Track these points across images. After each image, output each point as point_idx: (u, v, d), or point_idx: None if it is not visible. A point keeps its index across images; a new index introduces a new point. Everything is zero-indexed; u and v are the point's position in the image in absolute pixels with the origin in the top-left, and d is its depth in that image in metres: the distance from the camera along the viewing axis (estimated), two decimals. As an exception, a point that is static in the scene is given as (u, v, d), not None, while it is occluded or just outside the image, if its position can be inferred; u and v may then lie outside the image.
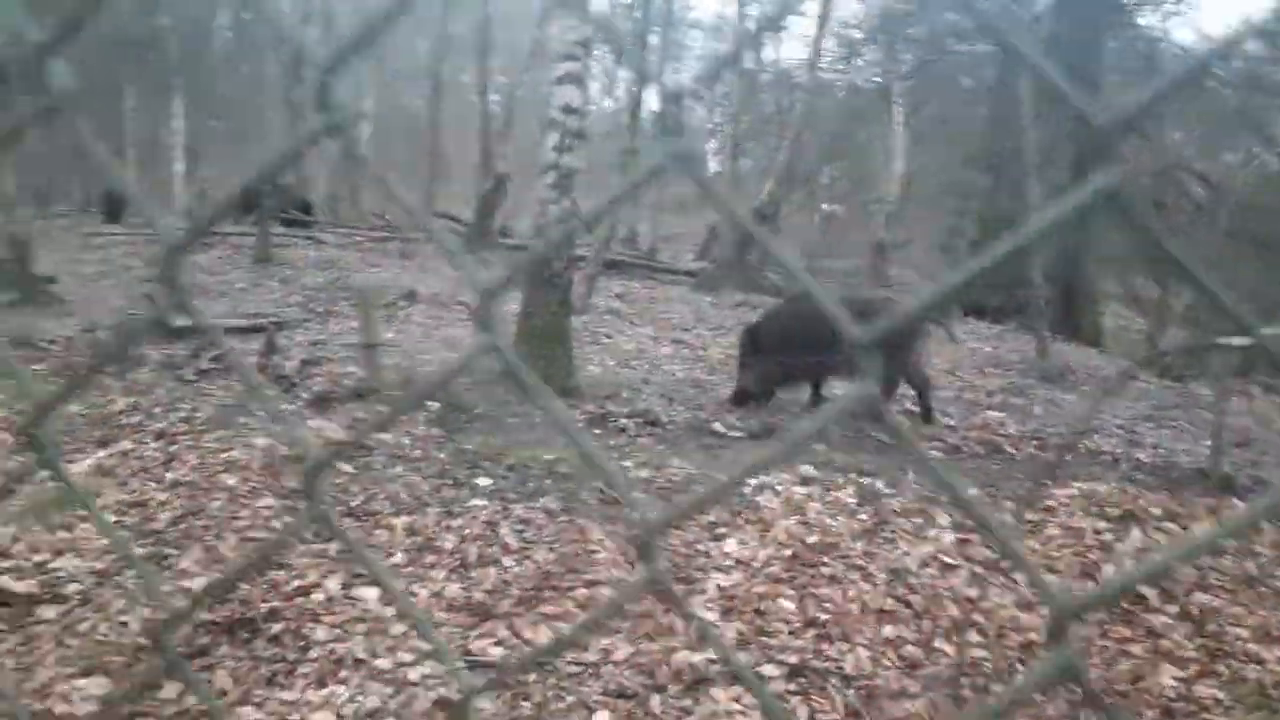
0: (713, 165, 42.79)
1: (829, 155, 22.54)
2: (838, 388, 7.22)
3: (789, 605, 3.95)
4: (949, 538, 4.61)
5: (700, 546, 4.42)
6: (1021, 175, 10.56)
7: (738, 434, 6.35)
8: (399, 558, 4.17)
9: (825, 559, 4.37)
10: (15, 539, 4.23)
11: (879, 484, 5.35)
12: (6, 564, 4.02)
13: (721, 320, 11.59)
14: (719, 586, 4.10)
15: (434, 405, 6.48)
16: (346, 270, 13.03)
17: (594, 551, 4.30)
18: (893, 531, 4.76)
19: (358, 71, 27.91)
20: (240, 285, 11.53)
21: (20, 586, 3.84)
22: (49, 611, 3.68)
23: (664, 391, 7.51)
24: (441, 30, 22.52)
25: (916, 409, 7.17)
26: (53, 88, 0.67)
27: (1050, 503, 5.16)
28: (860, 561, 4.37)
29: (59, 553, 4.14)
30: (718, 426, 6.40)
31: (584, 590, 3.94)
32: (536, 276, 6.98)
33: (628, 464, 5.51)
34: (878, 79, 20.83)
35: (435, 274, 12.95)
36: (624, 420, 6.37)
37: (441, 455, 5.45)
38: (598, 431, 6.21)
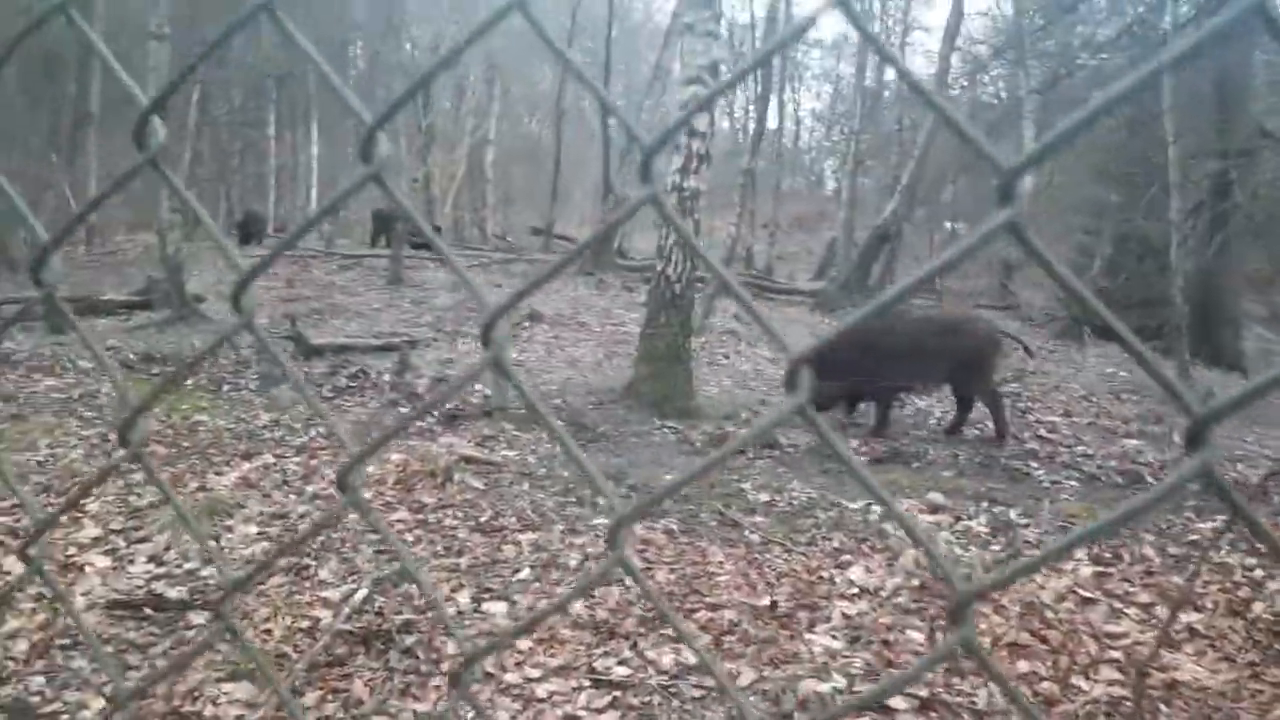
0: (831, 183, 42.47)
1: (954, 172, 21.99)
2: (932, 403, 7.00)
3: (917, 636, 3.85)
4: (1086, 570, 4.41)
5: (824, 573, 4.35)
6: (1160, 192, 10.05)
7: (862, 458, 6.23)
8: (525, 573, 4.25)
9: (956, 590, 4.24)
10: (167, 546, 4.52)
11: (1012, 513, 5.17)
12: (159, 570, 4.28)
13: (842, 341, 11.40)
14: (844, 614, 4.03)
15: (559, 423, 6.61)
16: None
17: (715, 574, 4.29)
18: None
19: (482, 98, 28.83)
20: (375, 306, 12.03)
21: (173, 593, 4.09)
22: (198, 618, 3.89)
23: (784, 413, 7.44)
24: (562, 57, 22.92)
25: (991, 427, 7.05)
26: (151, 142, 0.74)
27: (1193, 536, 4.90)
28: (994, 595, 4.23)
29: (207, 561, 4.39)
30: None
31: (706, 613, 3.94)
32: (659, 297, 7.05)
33: (746, 485, 5.48)
34: (1004, 94, 20.28)
35: (557, 295, 13.20)
36: (744, 442, 6.35)
37: (565, 474, 5.55)
38: (715, 452, 6.20)
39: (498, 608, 3.94)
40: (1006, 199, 0.49)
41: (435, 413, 6.69)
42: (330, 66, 0.72)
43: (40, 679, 3.41)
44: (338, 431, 0.77)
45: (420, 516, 4.78)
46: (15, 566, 4.28)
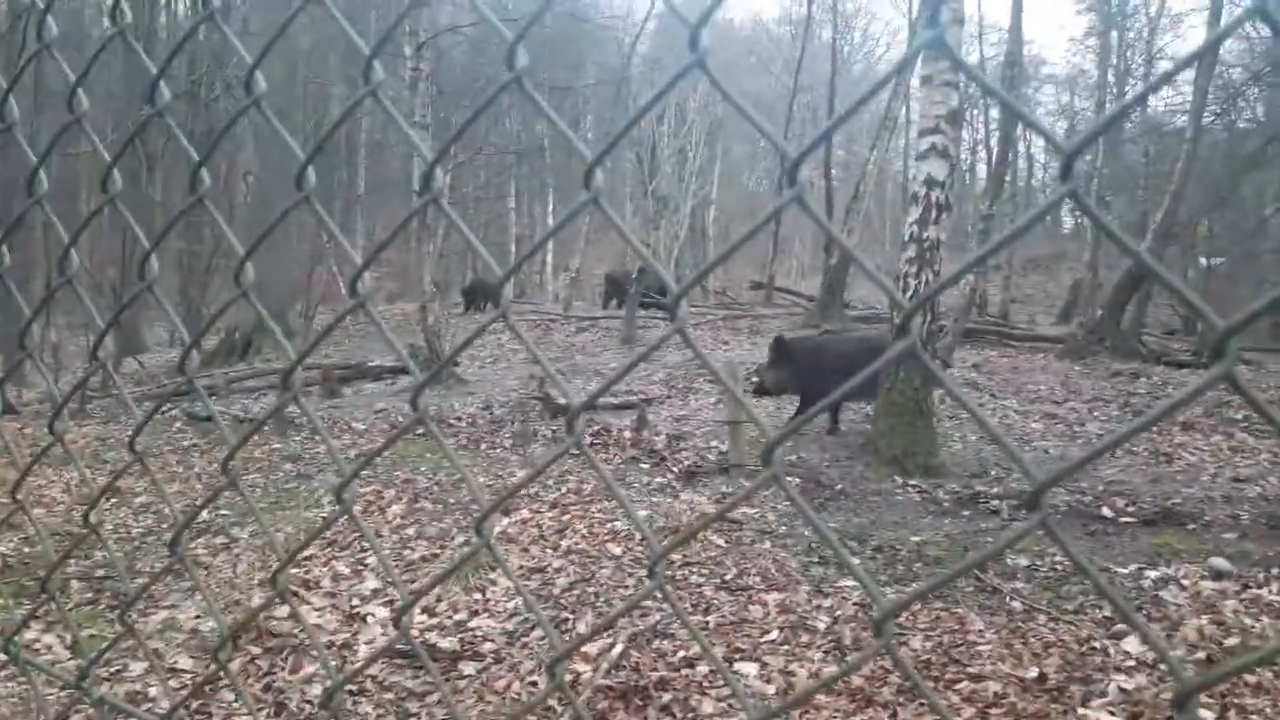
0: (1068, 222, 39.99)
1: (1210, 207, 20.11)
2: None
3: (1207, 715, 3.49)
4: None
5: (1096, 644, 4.04)
6: None
7: (1128, 519, 5.77)
8: (774, 634, 4.22)
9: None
10: (439, 598, 4.84)
11: (1311, 582, 4.60)
12: (432, 621, 4.59)
13: (1098, 392, 10.64)
14: (1121, 689, 3.72)
15: (795, 481, 6.57)
16: (702, 349, 13.69)
17: (975, 643, 4.08)
18: (1333, 637, 4.07)
19: (704, 159, 29.55)
20: (611, 365, 12.50)
21: (445, 643, 4.37)
22: (469, 668, 4.13)
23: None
24: (785, 113, 23.22)
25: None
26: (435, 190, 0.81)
27: None
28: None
29: (474, 613, 4.67)
30: (1106, 511, 5.85)
31: (968, 684, 3.76)
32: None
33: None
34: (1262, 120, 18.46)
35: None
36: (996, 502, 6.03)
37: (807, 532, 5.49)
38: (967, 513, 5.94)
39: (749, 668, 3.94)
40: (1067, 175, 0.57)
41: (675, 469, 6.83)
42: (564, 137, 0.81)
43: None
44: (470, 482, 0.83)
45: (668, 573, 4.86)
46: (309, 615, 4.74)
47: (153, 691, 3.92)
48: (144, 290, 1.06)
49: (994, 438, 0.59)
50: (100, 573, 5.44)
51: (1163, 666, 3.81)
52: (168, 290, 19.07)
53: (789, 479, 5.28)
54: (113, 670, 4.02)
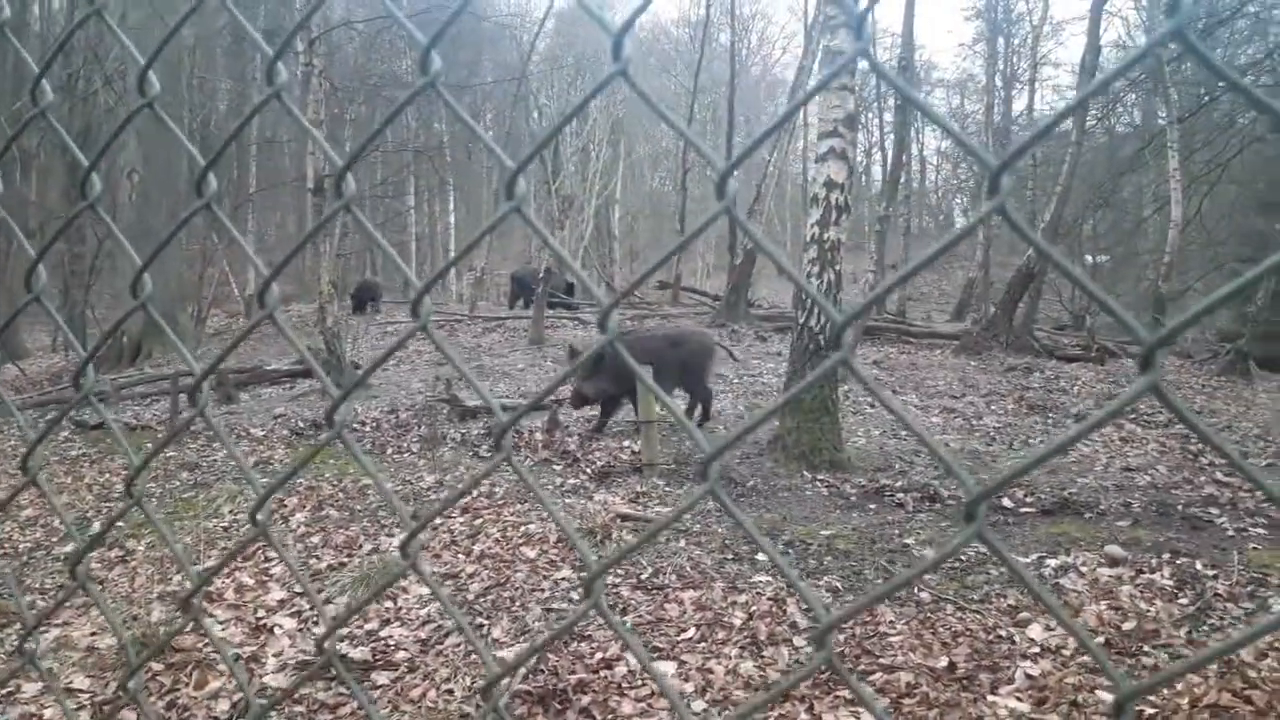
0: (960, 221, 41.46)
1: (1095, 207, 21.14)
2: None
3: (1108, 696, 3.64)
4: (1291, 625, 4.09)
5: (1003, 632, 4.18)
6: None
7: (1027, 509, 5.99)
8: (691, 633, 4.24)
9: (1145, 647, 4.01)
10: (348, 606, 4.71)
11: (1198, 565, 4.85)
12: (342, 631, 4.46)
13: (994, 386, 11.04)
14: (1027, 675, 3.85)
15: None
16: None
17: (886, 634, 4.18)
18: (1220, 618, 4.30)
19: (607, 159, 29.58)
20: (520, 366, 12.38)
21: (357, 653, 4.25)
22: (382, 678, 4.03)
23: (938, 463, 7.23)
24: (686, 113, 23.40)
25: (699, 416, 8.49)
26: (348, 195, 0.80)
27: None
28: (1185, 651, 3.98)
29: (386, 621, 4.56)
30: (1006, 502, 6.07)
31: (881, 674, 3.84)
32: (802, 349, 7.01)
33: (909, 541, 5.34)
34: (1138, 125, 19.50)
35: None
36: (901, 495, 6.19)
37: (720, 530, 5.53)
38: (873, 507, 6.08)
39: (667, 667, 3.94)
40: (995, 190, 0.58)
41: (588, 470, 6.80)
42: (464, 135, 0.80)
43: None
44: (395, 503, 0.81)
45: (584, 574, 4.84)
46: (213, 627, 4.55)
47: (48, 714, 3.72)
48: (33, 300, 1.00)
49: (929, 447, 0.60)
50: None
51: (1065, 653, 3.97)
52: (49, 293, 18.07)
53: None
54: (3, 692, 3.79)
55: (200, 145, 18.14)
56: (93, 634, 4.53)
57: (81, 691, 3.94)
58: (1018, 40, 33.79)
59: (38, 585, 5.33)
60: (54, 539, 6.07)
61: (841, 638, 4.14)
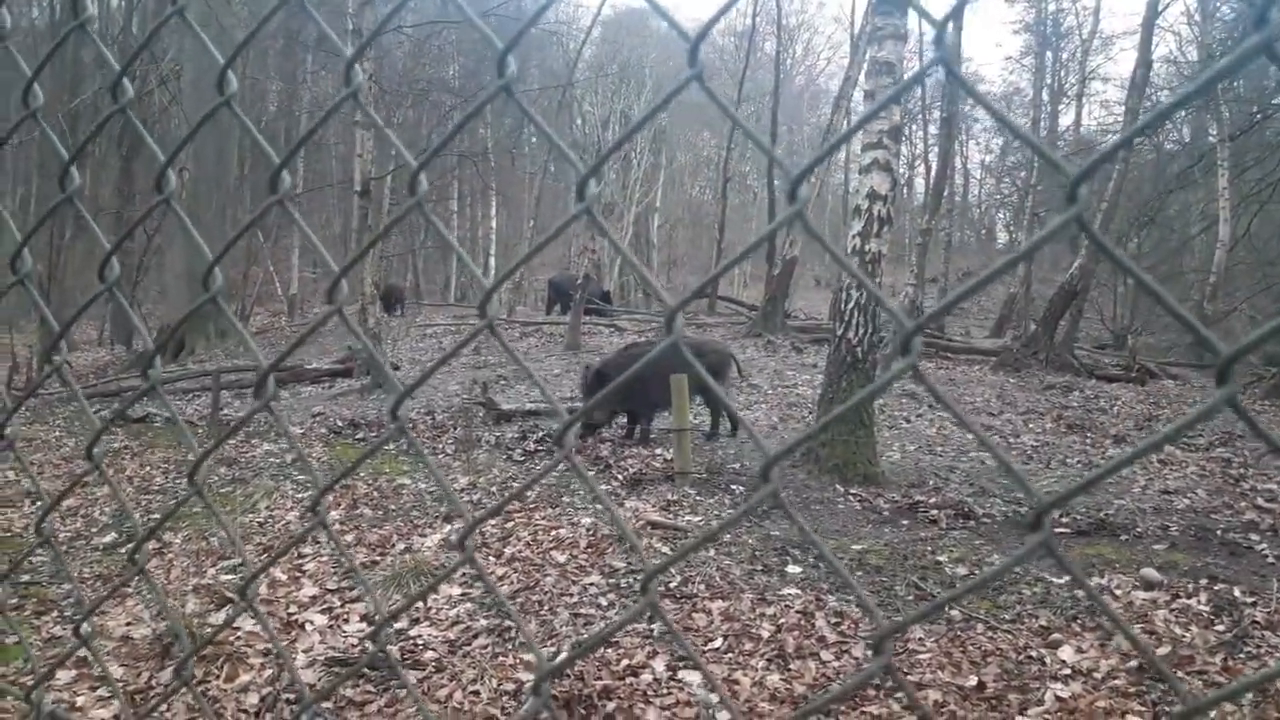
0: (1003, 236, 40.99)
1: (1140, 223, 20.84)
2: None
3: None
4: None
5: (1033, 653, 4.13)
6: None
7: (1062, 530, 5.91)
8: (718, 643, 4.23)
9: (1179, 674, 3.94)
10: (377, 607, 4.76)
11: (1236, 591, 4.76)
12: (370, 630, 4.50)
13: (1033, 405, 10.90)
14: (1057, 697, 3.80)
15: (739, 489, 6.61)
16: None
17: (915, 651, 4.15)
18: (1257, 646, 4.21)
19: (648, 167, 29.67)
20: (556, 371, 12.43)
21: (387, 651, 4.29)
22: (410, 676, 4.06)
23: (973, 480, 7.16)
24: (727, 123, 23.39)
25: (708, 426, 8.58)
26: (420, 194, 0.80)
27: None
28: (1220, 678, 3.90)
29: (415, 621, 4.60)
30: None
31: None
32: (839, 361, 6.97)
33: (942, 558, 5.28)
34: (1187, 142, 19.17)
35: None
36: (934, 511, 6.14)
37: (750, 540, 5.52)
38: (906, 522, 6.03)
39: (693, 676, 3.93)
40: (1073, 199, 0.59)
41: (620, 476, 6.81)
42: (509, 140, 0.81)
43: (271, 731, 3.66)
44: (453, 498, 0.82)
45: (612, 580, 4.86)
46: (247, 623, 4.62)
47: (80, 700, 3.79)
48: (105, 291, 1.03)
49: (999, 459, 0.60)
50: (26, 578, 5.24)
51: (1097, 676, 3.92)
52: (95, 287, 18.47)
53: (734, 486, 5.29)
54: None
55: (252, 144, 18.48)
56: (128, 624, 4.61)
57: (115, 680, 4.01)
58: (1066, 54, 33.41)
59: (76, 574, 5.43)
60: (93, 529, 6.20)
61: (869, 652, 4.11)
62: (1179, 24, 24.32)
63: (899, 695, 3.76)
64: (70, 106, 15.13)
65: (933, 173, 23.06)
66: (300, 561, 5.32)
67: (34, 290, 1.09)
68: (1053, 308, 14.33)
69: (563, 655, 4.03)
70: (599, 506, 6.07)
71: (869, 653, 4.06)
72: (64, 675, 4.00)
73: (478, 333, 0.82)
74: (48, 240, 15.49)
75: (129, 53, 17.30)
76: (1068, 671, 3.98)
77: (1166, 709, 3.66)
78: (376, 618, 4.54)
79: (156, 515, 6.32)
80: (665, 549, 5.28)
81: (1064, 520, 6.06)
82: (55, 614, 4.69)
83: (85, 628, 1.04)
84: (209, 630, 4.36)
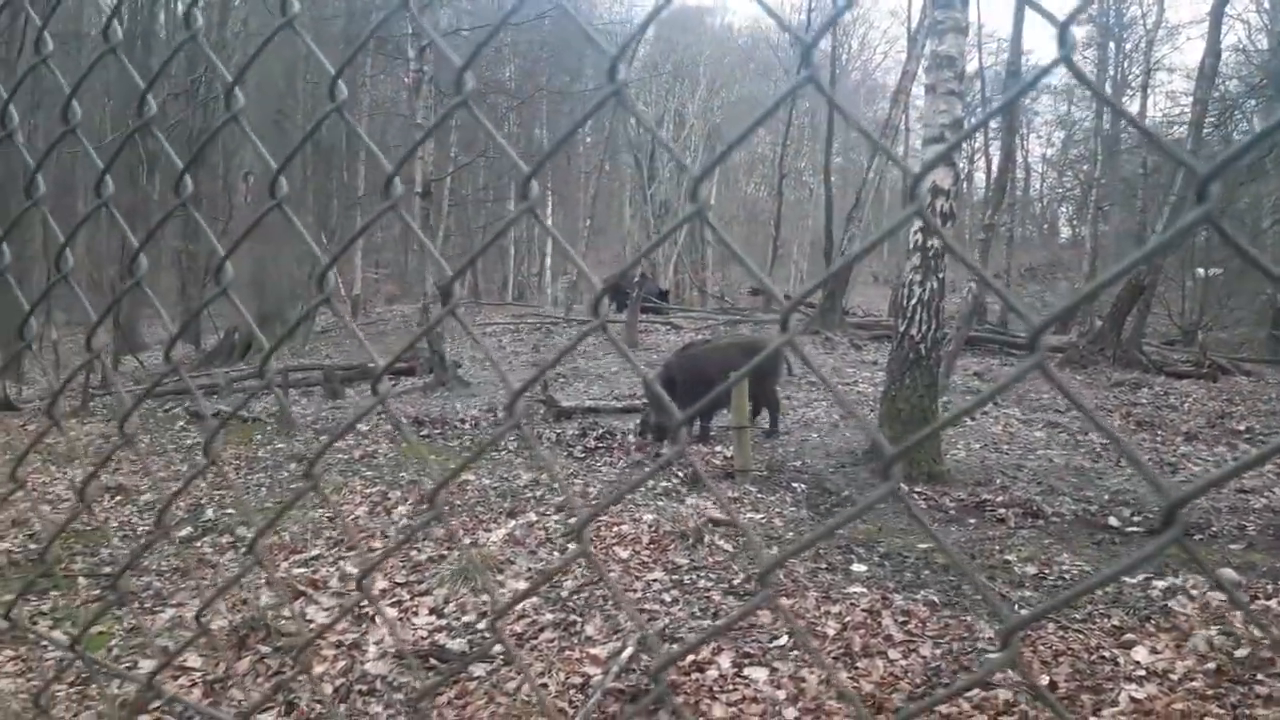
0: (1065, 231, 40.13)
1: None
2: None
3: (1216, 729, 3.50)
4: None
5: (1105, 653, 4.05)
6: None
7: (1134, 528, 5.78)
8: (783, 640, 4.22)
9: (1260, 676, 3.83)
10: (446, 600, 4.84)
11: (1319, 592, 4.62)
12: (440, 623, 4.58)
13: (1100, 402, 10.67)
14: (1132, 698, 3.72)
15: (800, 487, 6.58)
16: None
17: (984, 650, 4.10)
18: (1341, 650, 4.08)
19: (704, 165, 29.65)
20: (614, 369, 12.49)
21: (454, 644, 4.36)
22: (478, 669, 4.12)
23: (1041, 479, 7.03)
24: (785, 118, 23.28)
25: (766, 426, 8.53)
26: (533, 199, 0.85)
27: None
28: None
29: (483, 614, 4.67)
30: (1112, 520, 5.87)
31: (979, 690, 3.76)
32: (902, 358, 6.90)
33: (1010, 557, 5.20)
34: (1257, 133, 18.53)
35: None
36: (1002, 510, 6.04)
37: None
38: (973, 521, 5.95)
39: (759, 673, 3.93)
40: (1202, 198, 0.57)
41: (680, 474, 6.82)
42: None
43: (346, 722, 3.74)
44: (566, 489, 0.83)
45: (675, 577, 4.87)
46: (317, 614, 4.73)
47: (165, 687, 3.91)
48: (133, 286, 1.07)
49: (1124, 452, 0.59)
50: (107, 569, 5.43)
51: (1173, 677, 3.83)
52: (166, 290, 19.06)
53: (795, 484, 5.28)
54: (124, 665, 4.02)
55: (312, 149, 18.87)
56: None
57: (193, 669, 4.13)
58: (1130, 45, 32.56)
59: (154, 567, 5.59)
60: (170, 523, 6.38)
61: (938, 651, 4.08)
62: (1248, 12, 23.53)
63: (970, 693, 3.73)
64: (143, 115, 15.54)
65: (994, 167, 22.70)
66: (369, 554, 5.44)
67: (76, 286, 1.14)
68: (1119, 303, 13.99)
69: (676, 646, 4.06)
70: (660, 503, 6.09)
71: (996, 645, 4.06)
72: (145, 663, 4.13)
73: (591, 331, 0.84)
74: (120, 245, 15.97)
75: (199, 58, 17.78)
76: (1142, 672, 3.90)
77: (1247, 712, 3.57)
78: (491, 608, 4.62)
79: (231, 510, 6.50)
80: (728, 546, 5.28)
81: (1135, 520, 5.93)
82: (135, 605, 4.84)
83: (204, 618, 1.08)
84: (281, 621, 4.48)
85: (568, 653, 4.11)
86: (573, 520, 5.75)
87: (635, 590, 4.75)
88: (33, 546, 5.66)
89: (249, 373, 12.86)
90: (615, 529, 5.44)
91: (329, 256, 0.90)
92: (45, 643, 4.09)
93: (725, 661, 4.01)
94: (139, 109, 1.06)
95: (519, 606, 4.65)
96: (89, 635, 1.29)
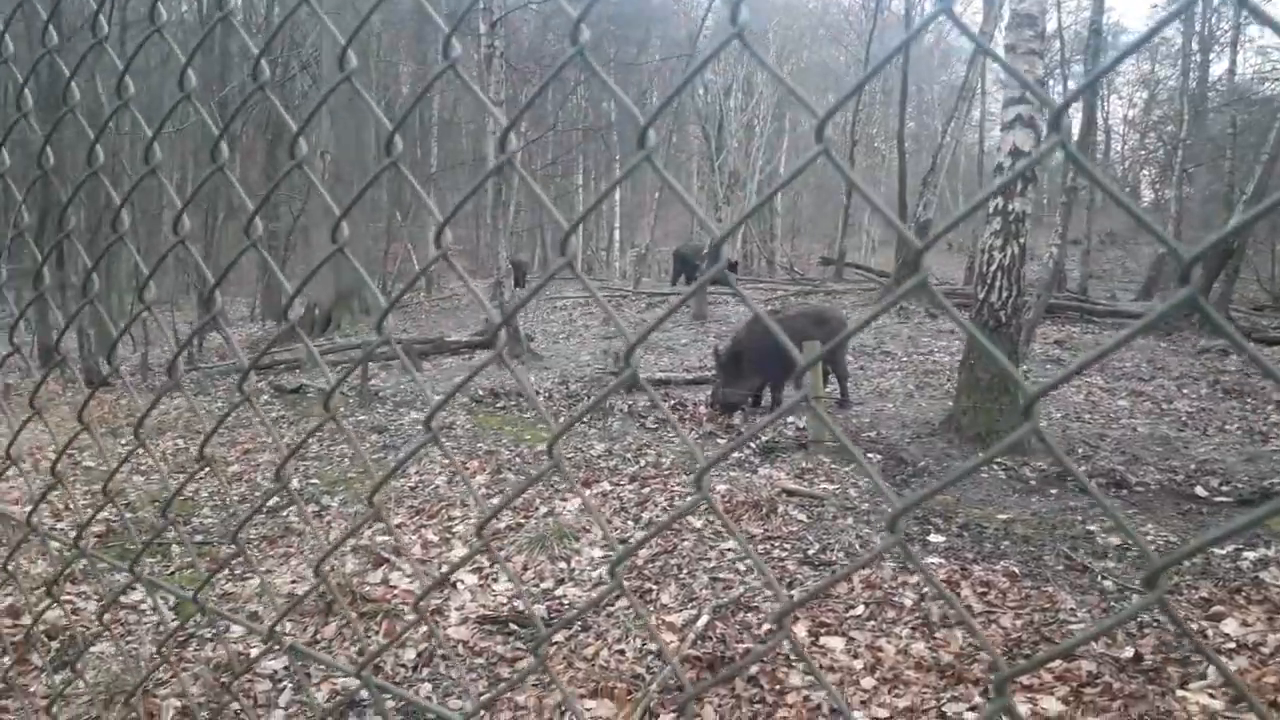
0: (1148, 194, 38.63)
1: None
2: None
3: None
4: None
5: (1194, 625, 3.96)
6: None
7: (1222, 498, 5.61)
8: (860, 610, 4.22)
9: (1361, 654, 3.71)
10: (525, 567, 4.93)
11: None
12: (518, 589, 4.67)
13: (1186, 369, 10.33)
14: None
15: (876, 458, 6.53)
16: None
17: (1067, 621, 4.03)
18: None
19: (771, 134, 29.24)
20: (684, 341, 12.50)
21: (532, 610, 4.44)
22: (557, 635, 4.20)
23: (1125, 448, 6.85)
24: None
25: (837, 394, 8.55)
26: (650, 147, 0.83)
27: None
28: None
29: (560, 581, 4.76)
30: (1199, 490, 5.70)
31: (1061, 662, 3.71)
32: (981, 326, 6.77)
33: (1093, 528, 5.10)
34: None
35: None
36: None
37: (889, 509, 5.44)
38: (1054, 491, 5.83)
39: (835, 643, 3.94)
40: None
41: (752, 444, 6.82)
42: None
43: (427, 686, 3.85)
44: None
45: (750, 546, 4.89)
46: (403, 581, 4.87)
47: (253, 653, 4.07)
48: (177, 245, 1.11)
49: None
50: (199, 538, 5.66)
51: (1265, 650, 3.73)
52: (249, 268, 19.61)
53: (869, 455, 5.24)
54: (217, 631, 4.18)
55: (398, 118, 19.06)
56: (292, 582, 4.92)
57: (283, 635, 4.28)
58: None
59: (244, 535, 5.79)
60: (256, 493, 6.61)
61: (1019, 622, 4.03)
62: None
63: (1051, 665, 3.68)
64: (220, 95, 15.98)
65: (1075, 129, 21.94)
66: (449, 524, 5.57)
67: (193, 248, 1.19)
68: (1207, 268, 13.47)
69: (798, 592, 4.10)
70: (733, 474, 6.10)
71: (1143, 588, 4.03)
72: (237, 630, 4.29)
73: (685, 300, 0.85)
74: (203, 222, 16.45)
75: (277, 40, 18.16)
76: (1232, 645, 3.80)
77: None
78: (505, 583, 4.72)
79: (315, 480, 6.70)
80: (802, 516, 5.27)
81: (1223, 490, 5.75)
82: (226, 572, 5.03)
83: (324, 567, 1.14)
84: (366, 588, 4.62)
85: (642, 620, 4.16)
86: (691, 473, 5.81)
87: (710, 559, 4.79)
88: (129, 516, 5.91)
89: (329, 347, 13.18)
90: (689, 498, 5.47)
91: (441, 218, 0.93)
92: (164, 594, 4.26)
93: (801, 630, 4.03)
94: (253, 73, 1.09)
95: (594, 574, 4.74)
96: (188, 595, 1.36)
